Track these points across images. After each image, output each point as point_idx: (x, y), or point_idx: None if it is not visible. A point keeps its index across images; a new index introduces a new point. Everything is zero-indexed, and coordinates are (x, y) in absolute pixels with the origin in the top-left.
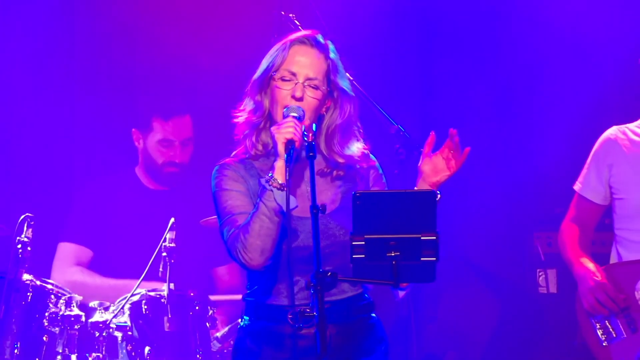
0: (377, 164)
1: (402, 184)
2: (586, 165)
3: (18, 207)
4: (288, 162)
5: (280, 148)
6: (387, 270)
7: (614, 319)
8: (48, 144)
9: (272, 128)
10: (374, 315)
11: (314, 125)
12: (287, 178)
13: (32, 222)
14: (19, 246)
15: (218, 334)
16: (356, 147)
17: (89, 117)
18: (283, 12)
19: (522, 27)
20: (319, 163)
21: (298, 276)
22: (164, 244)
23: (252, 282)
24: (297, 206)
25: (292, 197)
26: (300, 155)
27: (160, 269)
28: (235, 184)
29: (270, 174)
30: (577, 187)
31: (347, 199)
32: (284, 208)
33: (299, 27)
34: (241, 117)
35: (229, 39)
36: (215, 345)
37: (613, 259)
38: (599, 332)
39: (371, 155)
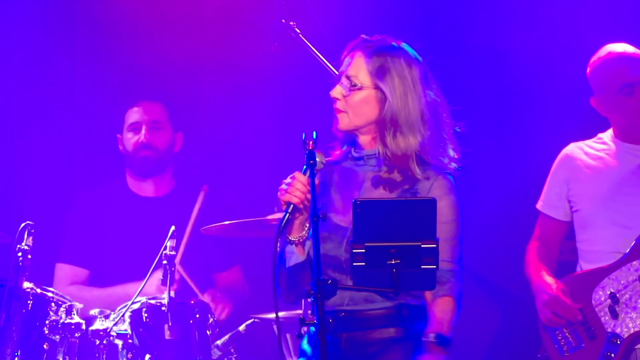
0: (443, 177)
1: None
2: (546, 183)
3: (19, 215)
4: (283, 221)
5: (282, 206)
6: (388, 278)
7: (573, 329)
8: (48, 151)
9: (280, 188)
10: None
11: (314, 133)
12: (276, 237)
13: (33, 230)
14: (20, 254)
15: (219, 342)
16: (409, 146)
17: (85, 123)
18: (284, 20)
19: (524, 34)
20: (377, 172)
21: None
22: (164, 252)
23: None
24: (304, 259)
25: (294, 252)
26: (342, 164)
27: (161, 277)
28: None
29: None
30: (539, 205)
31: None
32: (292, 263)
33: (300, 36)
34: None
35: (230, 49)
36: (216, 353)
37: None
38: (560, 342)
39: (438, 170)
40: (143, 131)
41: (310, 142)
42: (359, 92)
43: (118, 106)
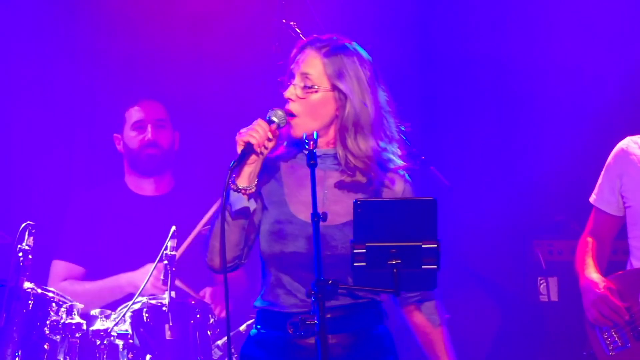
0: (405, 178)
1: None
2: (600, 177)
3: (19, 215)
4: (237, 162)
5: (238, 149)
6: (388, 278)
7: (620, 328)
8: (49, 152)
9: (240, 131)
10: (382, 325)
11: (315, 133)
12: (228, 179)
13: (34, 231)
14: (20, 254)
15: (219, 342)
16: (379, 150)
17: (86, 123)
18: (284, 20)
19: (525, 38)
20: (339, 171)
21: (297, 282)
22: (165, 252)
23: (260, 286)
24: (249, 208)
25: (243, 198)
26: (299, 162)
27: (162, 277)
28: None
29: (233, 176)
30: (592, 199)
31: None
32: (239, 207)
33: (300, 36)
34: None
35: (230, 49)
36: (217, 353)
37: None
38: (606, 341)
39: (399, 172)
40: (149, 129)
41: (311, 142)
42: (315, 94)
43: (116, 105)
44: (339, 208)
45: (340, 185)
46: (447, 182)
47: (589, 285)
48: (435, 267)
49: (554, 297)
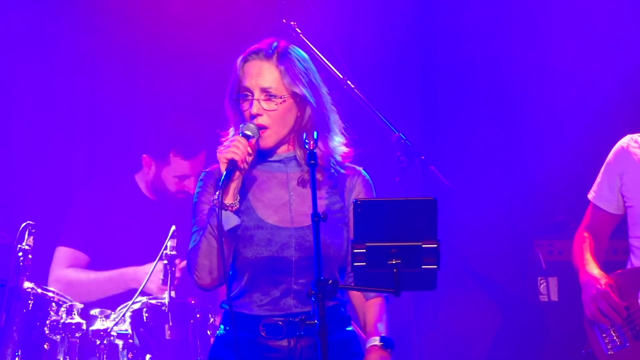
0: (362, 172)
1: (403, 192)
2: (600, 174)
3: (19, 215)
4: (225, 181)
5: (222, 167)
6: (388, 278)
7: (619, 327)
8: (49, 152)
9: (219, 148)
10: (349, 329)
11: (315, 133)
12: (219, 198)
13: (34, 230)
14: (20, 254)
15: None
16: (336, 146)
17: (89, 123)
18: (284, 20)
19: (526, 34)
20: (301, 173)
21: (271, 287)
22: (165, 251)
23: (229, 289)
24: (239, 224)
25: (233, 216)
26: (271, 166)
27: (161, 276)
28: (209, 197)
29: (216, 194)
30: (590, 195)
31: (329, 211)
32: (231, 226)
33: (301, 35)
34: (225, 140)
35: (230, 49)
36: None
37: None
38: (605, 340)
39: (356, 166)
40: (190, 182)
41: (311, 142)
42: (281, 104)
43: (118, 100)
44: (306, 208)
45: (304, 186)
46: (448, 182)
47: (590, 280)
48: (436, 267)
49: (554, 297)
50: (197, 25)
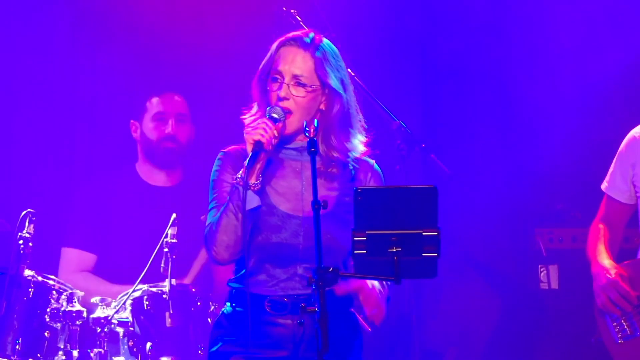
0: (375, 167)
1: (404, 180)
2: (612, 164)
3: (20, 203)
4: (250, 162)
5: (248, 148)
6: (389, 266)
7: (630, 316)
8: (49, 140)
9: (245, 129)
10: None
11: (315, 121)
12: (245, 178)
13: (34, 218)
14: (21, 242)
15: None
16: (357, 143)
17: (88, 112)
18: (284, 8)
19: (525, 22)
20: (316, 163)
21: (278, 269)
22: (165, 239)
23: (237, 269)
24: (260, 205)
25: (255, 196)
26: (286, 154)
27: (162, 265)
28: (228, 175)
29: (240, 173)
30: (603, 186)
31: (338, 206)
32: (252, 206)
33: (301, 23)
34: (247, 118)
35: (230, 36)
36: None
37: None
38: (615, 329)
39: (369, 160)
40: (170, 123)
41: (312, 130)
42: (308, 92)
43: (124, 92)
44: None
45: (318, 176)
46: (448, 169)
47: (601, 270)
48: (436, 254)
49: (555, 285)
50: (197, 13)
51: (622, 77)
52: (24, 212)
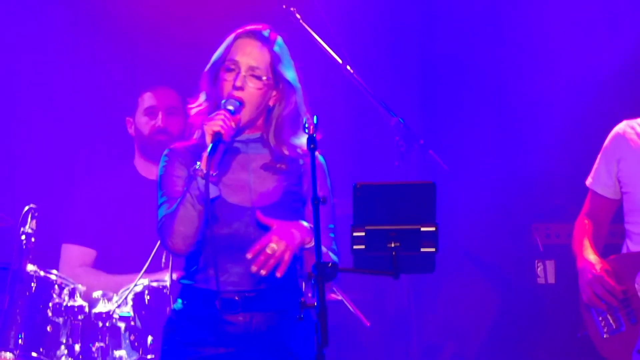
0: (319, 158)
1: (402, 176)
2: (597, 160)
3: (22, 198)
4: (211, 153)
5: (208, 139)
6: (387, 261)
7: (615, 311)
8: (51, 138)
9: (205, 120)
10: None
11: (315, 117)
12: (207, 169)
13: (36, 214)
14: (23, 237)
15: None
16: (303, 141)
17: (88, 110)
18: (284, 6)
19: (523, 20)
20: (265, 156)
21: (229, 263)
22: None
23: (188, 265)
24: (219, 195)
25: (214, 187)
26: (232, 147)
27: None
28: (177, 170)
29: (197, 164)
30: (588, 182)
31: (286, 195)
32: (212, 196)
33: (300, 21)
34: (195, 109)
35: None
36: None
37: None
38: (601, 324)
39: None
40: (160, 116)
41: (311, 127)
42: (264, 85)
43: (124, 89)
44: (265, 190)
45: (265, 169)
46: (446, 166)
47: (586, 266)
48: (434, 250)
49: (551, 280)
50: (196, 10)
51: (618, 74)
52: (26, 208)
